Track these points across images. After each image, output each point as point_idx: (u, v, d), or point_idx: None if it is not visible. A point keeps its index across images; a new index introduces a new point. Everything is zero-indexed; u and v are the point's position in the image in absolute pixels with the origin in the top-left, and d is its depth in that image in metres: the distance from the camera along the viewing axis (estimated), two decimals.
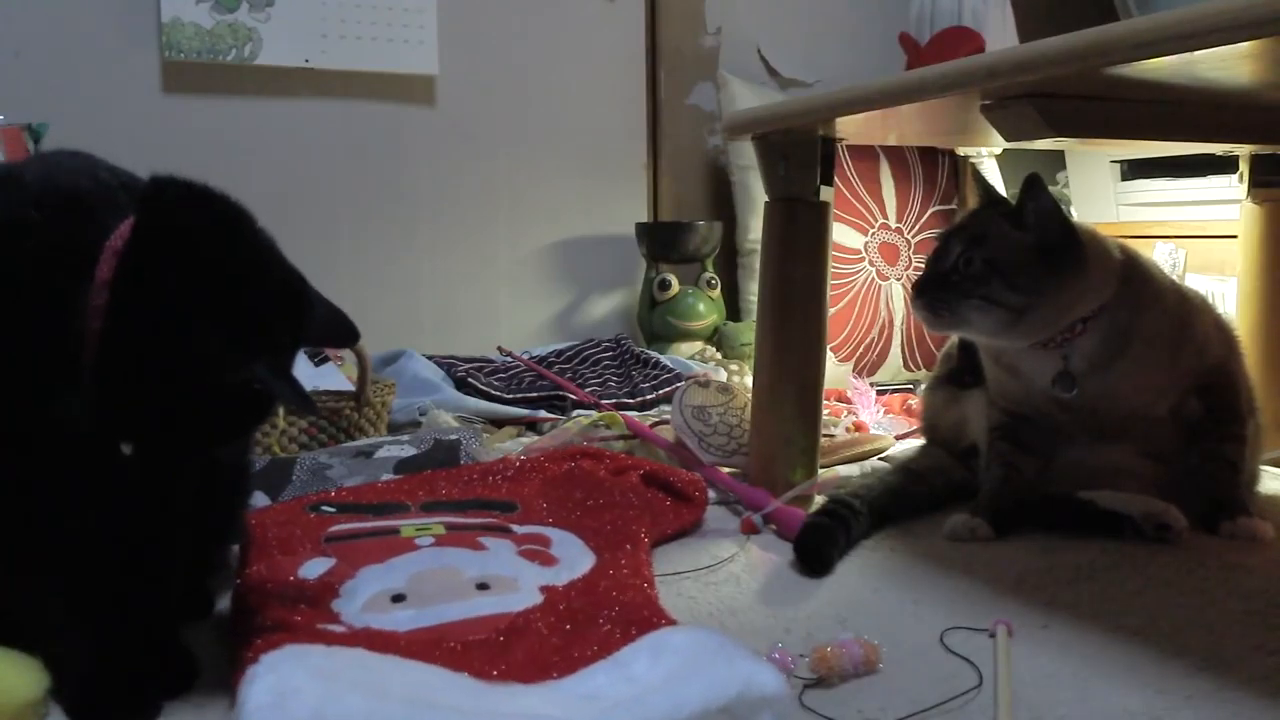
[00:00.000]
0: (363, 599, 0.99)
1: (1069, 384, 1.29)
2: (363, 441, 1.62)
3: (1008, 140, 1.24)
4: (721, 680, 0.74)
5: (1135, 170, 2.40)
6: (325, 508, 1.25)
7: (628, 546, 1.16)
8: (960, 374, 1.53)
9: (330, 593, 1.00)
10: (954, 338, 1.58)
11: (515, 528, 1.21)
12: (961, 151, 2.50)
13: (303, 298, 0.92)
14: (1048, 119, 1.13)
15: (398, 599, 0.99)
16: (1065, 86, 1.12)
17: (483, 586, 1.03)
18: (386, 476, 1.45)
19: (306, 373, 1.97)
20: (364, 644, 0.89)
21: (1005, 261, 1.26)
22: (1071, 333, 1.28)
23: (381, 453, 1.51)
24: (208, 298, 0.83)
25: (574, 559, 1.13)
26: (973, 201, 1.39)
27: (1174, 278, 1.45)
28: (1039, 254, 1.26)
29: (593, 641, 0.91)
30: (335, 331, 1.01)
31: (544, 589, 1.04)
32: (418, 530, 1.17)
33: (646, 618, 0.95)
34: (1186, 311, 1.35)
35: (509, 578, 1.05)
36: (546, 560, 1.12)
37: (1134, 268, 1.32)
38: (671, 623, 0.95)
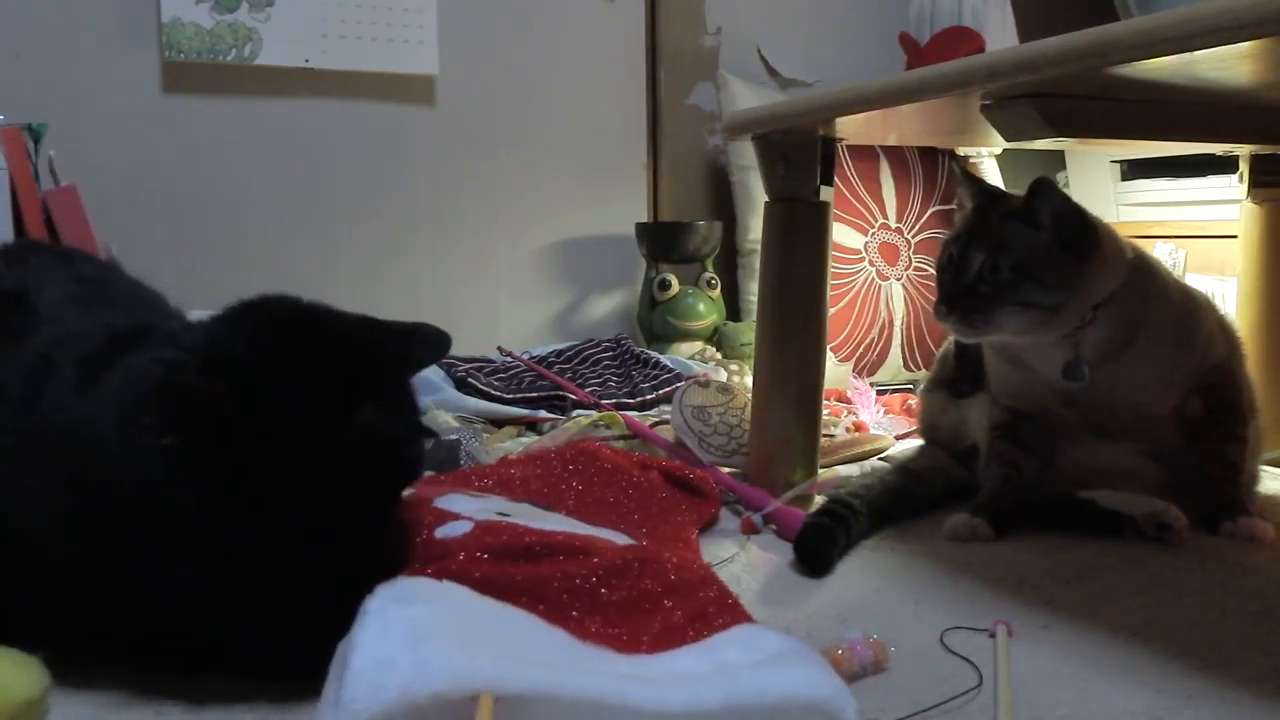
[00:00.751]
0: (465, 508, 1.01)
1: (1079, 374, 1.29)
2: None
3: (1008, 140, 1.24)
4: (806, 682, 0.74)
5: (1135, 170, 2.40)
6: None
7: (680, 549, 1.17)
8: (957, 383, 1.53)
9: (426, 503, 1.02)
10: (950, 342, 1.58)
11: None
12: (961, 151, 2.50)
13: (370, 335, 0.93)
14: (1048, 119, 1.13)
15: (502, 515, 1.01)
16: (1065, 86, 1.12)
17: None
18: None
19: None
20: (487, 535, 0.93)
21: (1033, 264, 1.26)
22: (1081, 322, 1.28)
23: None
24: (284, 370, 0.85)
25: None
26: (965, 199, 1.39)
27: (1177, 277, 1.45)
28: (1061, 250, 1.26)
29: (683, 623, 0.94)
30: (432, 345, 1.03)
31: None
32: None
33: (734, 608, 0.98)
34: (1192, 309, 1.36)
35: (588, 534, 1.06)
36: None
37: (1142, 260, 1.33)
38: (752, 621, 0.97)
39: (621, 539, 1.19)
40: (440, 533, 1.05)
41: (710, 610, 0.98)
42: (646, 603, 0.96)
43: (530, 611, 0.88)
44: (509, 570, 0.97)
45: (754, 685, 0.73)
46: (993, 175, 2.53)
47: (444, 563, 0.96)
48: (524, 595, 0.94)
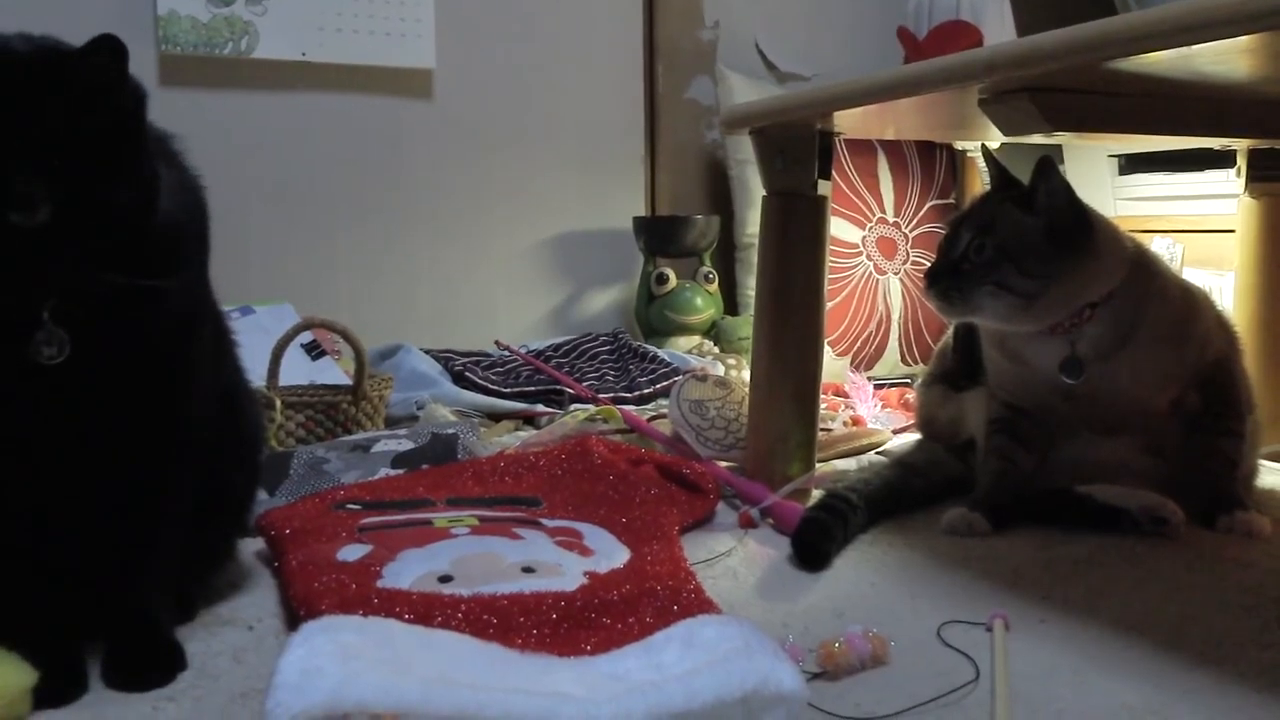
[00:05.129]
0: (409, 579, 1.02)
1: (1076, 370, 1.29)
2: (360, 436, 1.62)
3: (1005, 135, 1.24)
4: (738, 675, 0.75)
5: (1133, 165, 2.40)
6: (350, 505, 1.26)
7: (657, 541, 1.18)
8: (954, 376, 1.53)
9: (373, 574, 1.02)
10: (948, 336, 1.58)
11: (545, 521, 1.23)
12: (960, 146, 2.50)
13: None
14: (1045, 113, 1.13)
15: (445, 579, 1.02)
16: (1063, 81, 1.11)
17: (528, 570, 1.05)
18: (384, 470, 1.45)
19: (303, 367, 1.97)
20: (419, 607, 0.94)
21: (1016, 247, 1.26)
22: (1079, 318, 1.28)
23: (379, 447, 1.51)
24: None
25: (609, 551, 1.15)
26: (976, 191, 1.39)
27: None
28: (1050, 238, 1.26)
29: (634, 622, 0.95)
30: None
31: (588, 574, 1.05)
32: (450, 522, 1.18)
33: (691, 600, 1.00)
34: (1191, 305, 1.36)
35: (552, 563, 1.08)
36: (583, 550, 1.14)
37: (1143, 257, 1.33)
38: (713, 609, 0.98)
39: (603, 536, 1.20)
40: (341, 556, 1.08)
41: (661, 604, 0.99)
42: (588, 622, 0.97)
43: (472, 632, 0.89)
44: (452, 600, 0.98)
45: (681, 692, 0.74)
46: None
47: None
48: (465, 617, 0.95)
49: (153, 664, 0.91)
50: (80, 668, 0.89)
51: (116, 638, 0.91)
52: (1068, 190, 1.28)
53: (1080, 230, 1.27)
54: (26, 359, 0.82)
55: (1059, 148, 2.60)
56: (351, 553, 1.09)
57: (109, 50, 0.83)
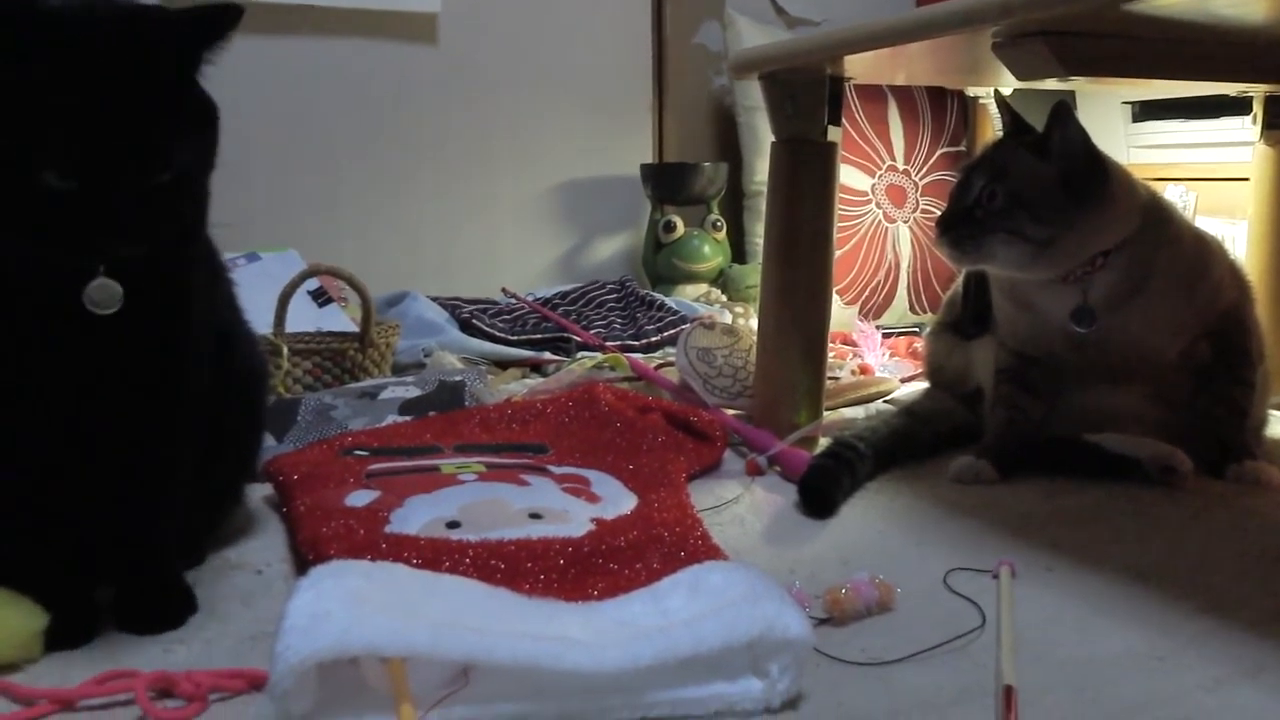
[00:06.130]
0: (416, 525, 1.02)
1: (1088, 318, 1.28)
2: (367, 382, 1.62)
3: (1019, 79, 1.22)
4: (745, 620, 0.76)
5: (1147, 112, 2.37)
6: (358, 451, 1.27)
7: (664, 488, 1.18)
8: (964, 325, 1.52)
9: (380, 519, 1.02)
10: (958, 284, 1.57)
11: (552, 468, 1.23)
12: (972, 92, 2.47)
13: None
14: (1061, 58, 1.11)
15: (452, 525, 1.03)
16: (1079, 24, 1.10)
17: (535, 516, 1.06)
18: (392, 417, 1.45)
19: (310, 314, 1.97)
20: (426, 552, 0.94)
21: (1029, 194, 1.24)
22: (1092, 266, 1.27)
23: (386, 394, 1.51)
24: None
25: (616, 498, 1.15)
26: (987, 138, 1.38)
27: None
28: (1063, 185, 1.24)
29: (640, 568, 0.96)
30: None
31: (595, 520, 1.06)
32: (458, 468, 1.18)
33: (697, 546, 1.00)
34: (1204, 253, 1.34)
35: (559, 510, 1.08)
36: (591, 497, 1.14)
37: (1157, 205, 1.32)
38: (719, 555, 0.99)
39: (610, 483, 1.20)
40: (349, 501, 1.08)
41: (668, 550, 0.99)
42: (596, 567, 0.98)
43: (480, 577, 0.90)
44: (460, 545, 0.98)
45: (688, 637, 0.75)
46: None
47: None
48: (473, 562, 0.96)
49: (164, 607, 0.92)
50: (91, 611, 0.90)
51: (127, 581, 0.92)
52: (1083, 136, 1.26)
53: (1095, 177, 1.26)
54: (74, 309, 0.82)
55: (1072, 94, 2.57)
56: (359, 498, 1.10)
57: (238, 14, 0.84)
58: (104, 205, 0.77)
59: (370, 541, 0.98)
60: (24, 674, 0.82)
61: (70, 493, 0.89)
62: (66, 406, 0.86)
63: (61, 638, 0.86)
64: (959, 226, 1.28)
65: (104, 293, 0.83)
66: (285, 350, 1.62)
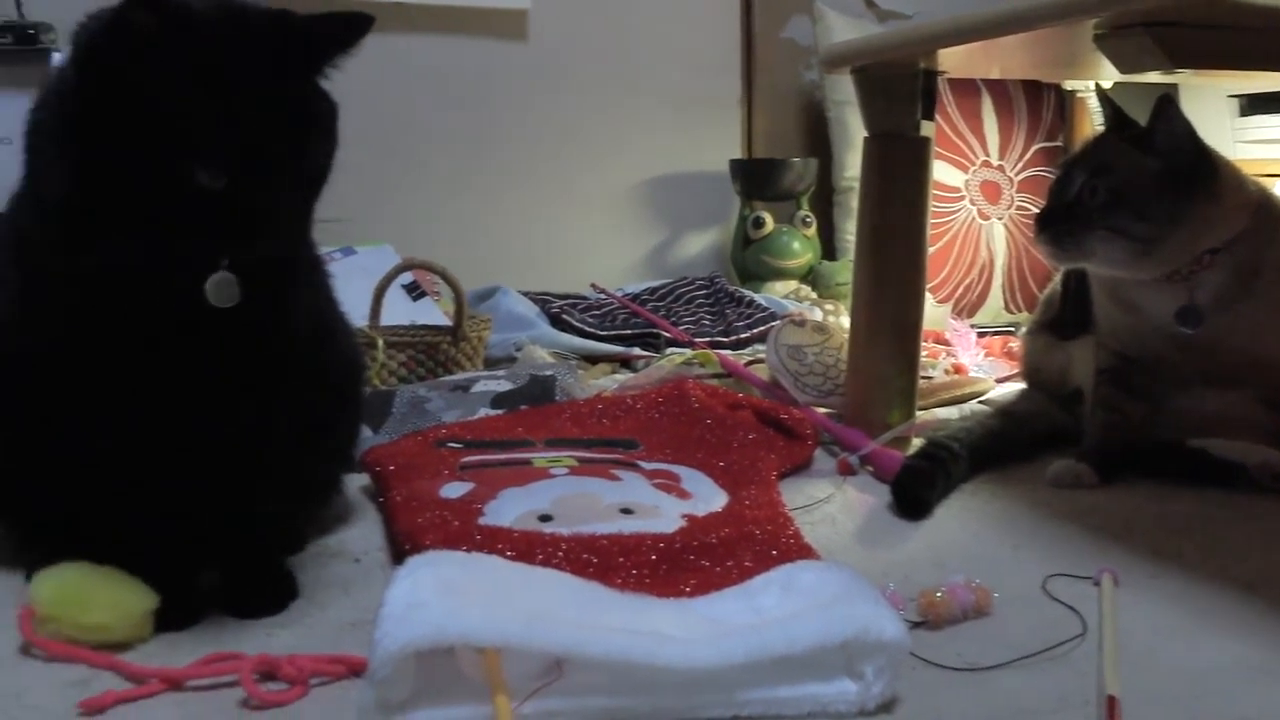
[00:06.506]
0: (510, 517, 1.03)
1: (1194, 319, 1.24)
2: (460, 376, 1.64)
3: (1122, 72, 1.18)
4: (839, 621, 0.75)
5: (1254, 105, 2.30)
6: (452, 443, 1.28)
7: (755, 486, 1.18)
8: (1062, 325, 1.49)
9: (474, 511, 1.04)
10: (1055, 283, 1.54)
11: (643, 464, 1.23)
12: (1069, 85, 2.41)
13: None
14: (1166, 49, 1.07)
15: (545, 518, 1.04)
16: (1186, 14, 1.06)
17: (626, 511, 1.06)
18: (484, 410, 1.47)
19: (404, 307, 2.00)
20: (520, 544, 0.95)
21: (1132, 190, 1.21)
22: (1198, 265, 1.23)
23: (478, 387, 1.53)
24: None
25: (707, 495, 1.15)
26: (1084, 133, 1.34)
27: None
28: (1169, 180, 1.21)
29: (732, 565, 0.95)
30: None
31: (685, 516, 1.06)
32: (550, 462, 1.19)
33: (789, 545, 1.00)
34: None
35: (650, 505, 1.08)
36: (681, 493, 1.14)
37: (1267, 202, 1.27)
38: (812, 555, 0.98)
39: (701, 480, 1.20)
40: (444, 493, 1.09)
41: (760, 548, 0.99)
42: (688, 564, 0.97)
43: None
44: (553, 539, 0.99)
45: (781, 636, 0.74)
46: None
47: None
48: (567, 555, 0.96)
49: (267, 592, 0.94)
50: (197, 595, 0.93)
51: (232, 567, 0.95)
52: (1189, 130, 1.22)
53: (1201, 172, 1.22)
54: (190, 302, 0.85)
55: (1175, 87, 2.50)
56: (454, 490, 1.11)
57: (369, 23, 0.88)
58: (249, 203, 0.80)
59: (465, 533, 0.99)
60: (134, 653, 0.85)
61: (177, 479, 0.91)
62: (176, 396, 0.89)
63: (169, 619, 0.89)
64: (1058, 223, 1.25)
65: (226, 287, 0.85)
66: (381, 343, 1.65)
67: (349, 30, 0.86)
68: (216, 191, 0.78)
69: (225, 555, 0.95)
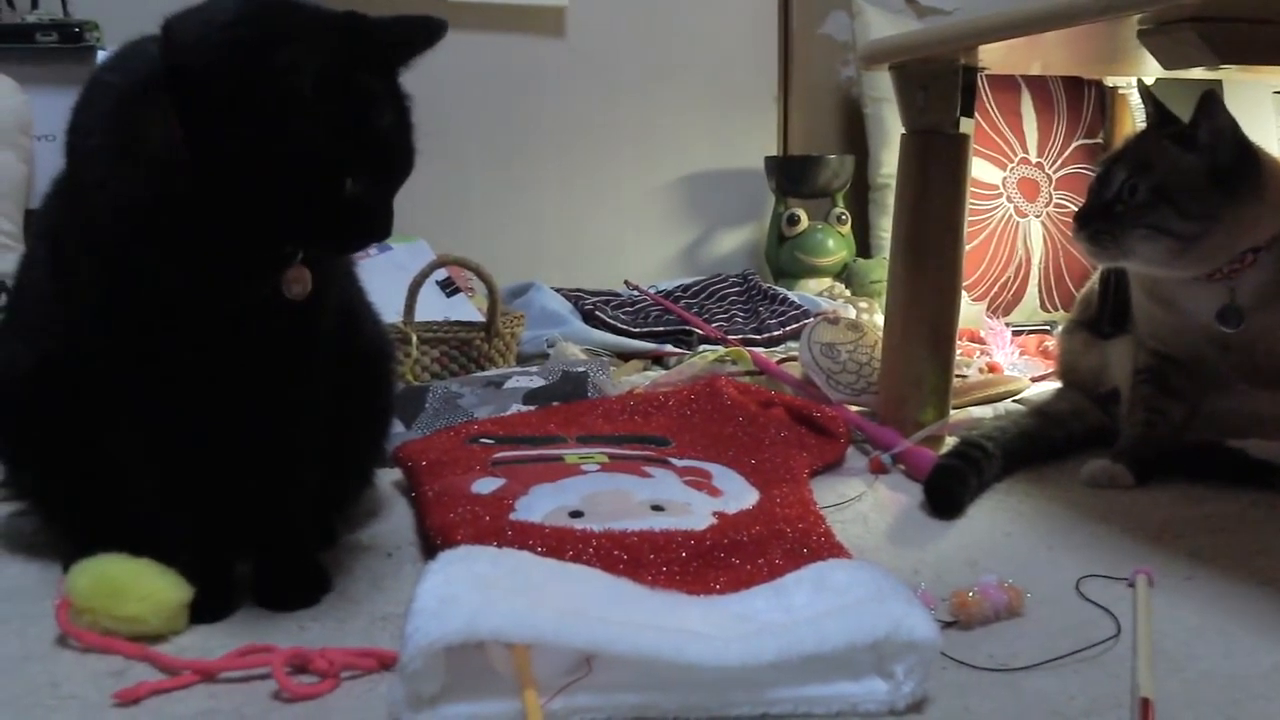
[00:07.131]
0: (541, 513, 1.04)
1: (1235, 318, 1.23)
2: (492, 372, 1.65)
3: (1166, 68, 1.17)
4: (870, 620, 0.75)
5: None
6: (484, 439, 1.29)
7: (786, 484, 1.18)
8: (1099, 323, 1.48)
9: (506, 506, 1.05)
10: (1094, 281, 1.52)
11: (674, 461, 1.23)
12: (1110, 82, 2.38)
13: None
14: (1213, 45, 1.06)
15: (575, 514, 1.04)
16: (1233, 9, 1.05)
17: (657, 508, 1.07)
18: (516, 406, 1.47)
19: (438, 304, 2.01)
20: (551, 540, 0.96)
21: (1174, 187, 1.20)
22: (1240, 263, 1.22)
23: (511, 383, 1.53)
24: None
25: (738, 492, 1.15)
26: (1126, 131, 1.33)
27: None
28: (1211, 178, 1.19)
29: (763, 563, 0.96)
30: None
31: (716, 514, 1.06)
32: (581, 458, 1.20)
33: (821, 543, 1.00)
34: None
35: (681, 502, 1.09)
36: (712, 491, 1.14)
37: None
38: (843, 553, 0.98)
39: (732, 477, 1.19)
40: (475, 488, 1.10)
41: (791, 546, 0.99)
42: (718, 561, 0.98)
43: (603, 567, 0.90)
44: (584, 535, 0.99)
45: (812, 635, 0.74)
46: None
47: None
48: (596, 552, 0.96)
49: (300, 585, 0.95)
50: (231, 587, 0.94)
51: (266, 560, 0.96)
52: (1233, 126, 1.21)
53: (1245, 170, 1.20)
54: (267, 294, 0.88)
55: (1219, 83, 2.46)
56: (485, 485, 1.12)
57: (443, 28, 0.92)
58: (381, 205, 0.86)
59: (496, 528, 0.99)
60: (168, 645, 0.86)
61: (212, 471, 0.92)
62: (230, 385, 0.91)
63: (204, 611, 0.90)
64: (1098, 221, 1.24)
65: (302, 280, 0.88)
66: (414, 339, 1.66)
67: (428, 34, 0.90)
68: (358, 196, 0.83)
69: (259, 548, 0.96)
